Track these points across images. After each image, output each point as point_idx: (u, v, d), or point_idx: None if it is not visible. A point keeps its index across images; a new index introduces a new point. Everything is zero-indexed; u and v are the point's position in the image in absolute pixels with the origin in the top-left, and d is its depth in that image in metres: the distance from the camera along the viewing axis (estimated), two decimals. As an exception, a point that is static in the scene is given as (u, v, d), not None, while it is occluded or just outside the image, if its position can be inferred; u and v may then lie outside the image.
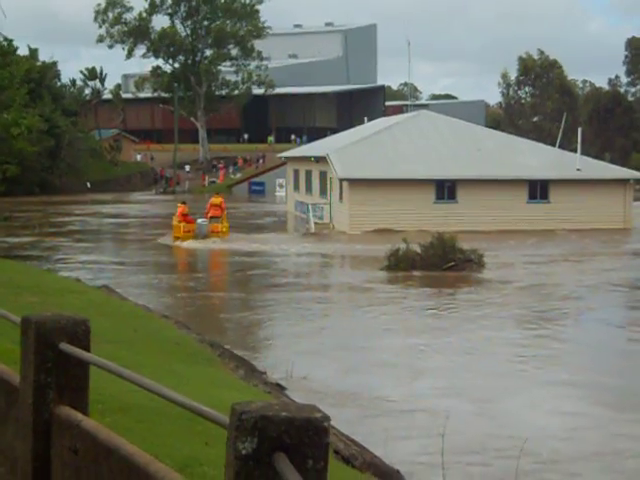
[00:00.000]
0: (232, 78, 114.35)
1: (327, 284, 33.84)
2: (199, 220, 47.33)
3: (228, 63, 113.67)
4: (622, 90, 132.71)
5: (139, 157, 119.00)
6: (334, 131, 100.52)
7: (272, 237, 48.59)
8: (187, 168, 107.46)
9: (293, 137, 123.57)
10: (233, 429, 3.05)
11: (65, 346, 4.79)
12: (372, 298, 29.36)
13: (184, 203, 49.15)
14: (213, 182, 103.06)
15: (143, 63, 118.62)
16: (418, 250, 35.03)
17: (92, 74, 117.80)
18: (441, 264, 34.47)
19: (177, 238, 46.23)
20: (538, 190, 53.36)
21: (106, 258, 40.90)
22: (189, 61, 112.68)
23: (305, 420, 3.05)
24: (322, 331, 23.85)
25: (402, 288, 31.71)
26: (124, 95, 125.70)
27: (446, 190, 52.74)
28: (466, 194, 52.56)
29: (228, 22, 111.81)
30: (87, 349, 4.82)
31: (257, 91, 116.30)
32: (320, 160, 57.37)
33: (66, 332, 4.83)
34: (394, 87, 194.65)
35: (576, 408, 16.79)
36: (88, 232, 53.91)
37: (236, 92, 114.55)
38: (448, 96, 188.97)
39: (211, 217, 48.47)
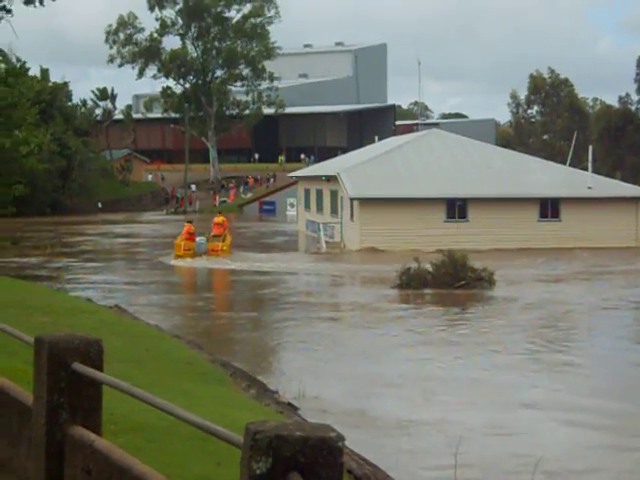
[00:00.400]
0: (243, 98, 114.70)
1: (337, 303, 33.76)
2: (198, 239, 47.49)
3: (239, 83, 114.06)
4: (633, 108, 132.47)
5: (150, 177, 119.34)
6: (344, 150, 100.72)
7: (278, 256, 48.48)
8: (193, 187, 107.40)
9: (303, 156, 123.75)
10: (247, 449, 3.04)
11: (78, 366, 4.78)
12: (383, 317, 29.30)
13: (190, 222, 49.58)
14: (224, 202, 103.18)
15: (154, 83, 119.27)
16: (430, 269, 35.02)
17: (103, 94, 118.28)
18: (452, 282, 34.43)
19: (178, 257, 46.39)
20: (549, 208, 53.31)
21: (108, 277, 40.80)
22: (200, 81, 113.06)
23: (319, 440, 3.04)
24: (333, 350, 23.79)
25: (414, 306, 31.66)
26: (135, 115, 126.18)
27: (457, 209, 52.71)
28: (477, 213, 52.53)
29: (239, 42, 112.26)
30: (100, 369, 4.82)
31: (267, 111, 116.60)
32: (331, 179, 57.44)
33: (79, 352, 4.83)
34: (404, 106, 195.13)
35: (590, 427, 16.71)
36: (98, 252, 54.02)
37: (247, 112, 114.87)
38: (458, 115, 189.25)
39: (213, 236, 48.85)
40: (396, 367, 21.38)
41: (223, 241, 48.69)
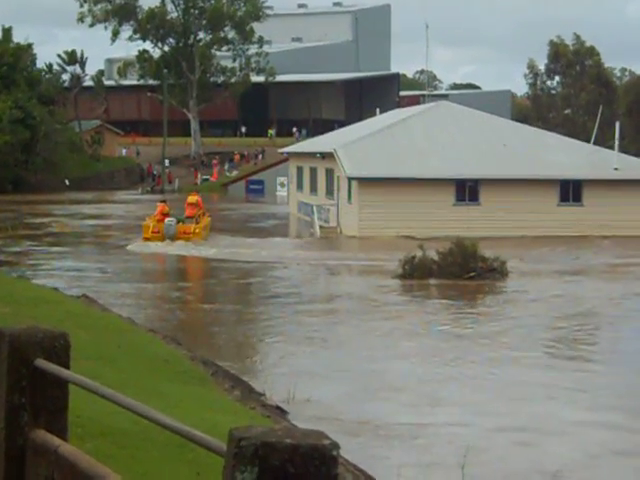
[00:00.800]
0: (228, 64, 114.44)
1: (331, 295, 33.72)
2: (166, 220, 46.90)
3: (224, 47, 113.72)
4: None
5: (124, 152, 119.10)
6: (342, 124, 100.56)
7: (265, 242, 48.33)
8: (166, 163, 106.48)
9: (295, 130, 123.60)
10: (231, 457, 3.04)
11: (41, 362, 4.77)
12: (382, 311, 29.33)
13: (164, 202, 49.52)
14: (206, 180, 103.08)
15: (129, 46, 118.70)
16: (435, 258, 35.02)
17: (71, 58, 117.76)
18: (461, 273, 34.44)
19: (147, 239, 46.23)
20: (570, 191, 53.35)
21: (76, 263, 40.75)
22: (180, 44, 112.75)
23: (311, 447, 3.04)
24: (326, 348, 23.83)
25: (417, 299, 31.70)
26: (107, 82, 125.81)
27: (467, 190, 52.74)
28: (490, 195, 52.55)
29: (224, 1, 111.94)
30: (66, 366, 4.81)
31: (256, 79, 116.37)
32: (326, 156, 57.42)
33: (43, 347, 4.82)
34: (409, 75, 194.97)
35: (606, 438, 16.77)
36: (65, 235, 53.97)
37: (233, 80, 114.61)
38: (470, 85, 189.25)
39: (186, 217, 48.69)
40: (398, 366, 21.41)
41: (197, 223, 48.42)
